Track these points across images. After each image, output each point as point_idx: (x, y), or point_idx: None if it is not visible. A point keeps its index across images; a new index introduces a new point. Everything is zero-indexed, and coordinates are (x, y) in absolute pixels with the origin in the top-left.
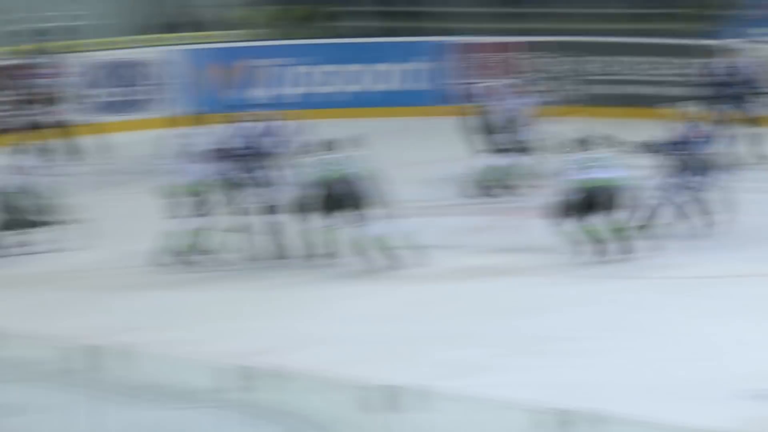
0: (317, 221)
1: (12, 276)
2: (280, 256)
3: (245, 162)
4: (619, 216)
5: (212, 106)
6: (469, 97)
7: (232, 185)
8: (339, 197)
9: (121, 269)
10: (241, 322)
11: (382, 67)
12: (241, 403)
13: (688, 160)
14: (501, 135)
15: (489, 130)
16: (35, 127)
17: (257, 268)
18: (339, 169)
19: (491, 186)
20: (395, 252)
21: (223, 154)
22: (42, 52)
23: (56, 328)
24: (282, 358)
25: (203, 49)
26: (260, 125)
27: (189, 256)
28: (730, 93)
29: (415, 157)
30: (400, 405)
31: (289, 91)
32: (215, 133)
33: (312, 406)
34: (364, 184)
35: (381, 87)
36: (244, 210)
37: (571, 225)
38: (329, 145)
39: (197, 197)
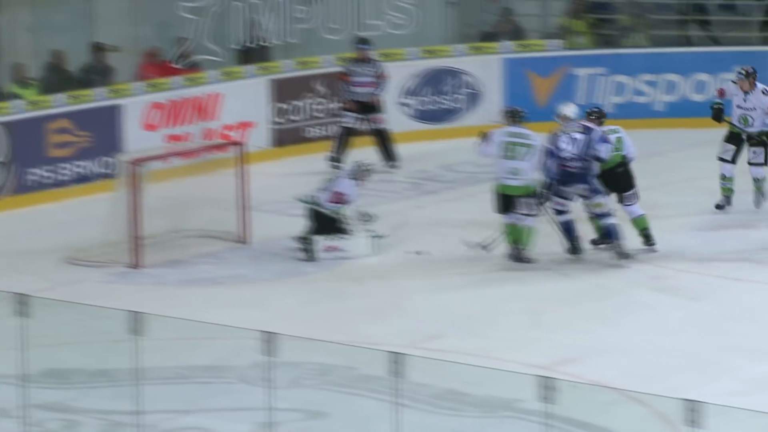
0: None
1: (317, 281)
2: (576, 252)
3: (570, 167)
4: None
5: (530, 115)
6: None
7: (554, 187)
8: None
9: (425, 273)
10: (542, 331)
11: (702, 76)
12: (541, 413)
13: None
14: None
15: None
16: (353, 134)
17: (558, 269)
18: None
19: None
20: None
21: (553, 158)
22: (362, 59)
23: (362, 334)
24: (581, 369)
25: (522, 58)
26: (584, 133)
27: (515, 252)
28: None
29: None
30: (701, 420)
31: (607, 100)
32: (545, 137)
33: (612, 419)
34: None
35: (698, 97)
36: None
37: None
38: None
39: (528, 198)
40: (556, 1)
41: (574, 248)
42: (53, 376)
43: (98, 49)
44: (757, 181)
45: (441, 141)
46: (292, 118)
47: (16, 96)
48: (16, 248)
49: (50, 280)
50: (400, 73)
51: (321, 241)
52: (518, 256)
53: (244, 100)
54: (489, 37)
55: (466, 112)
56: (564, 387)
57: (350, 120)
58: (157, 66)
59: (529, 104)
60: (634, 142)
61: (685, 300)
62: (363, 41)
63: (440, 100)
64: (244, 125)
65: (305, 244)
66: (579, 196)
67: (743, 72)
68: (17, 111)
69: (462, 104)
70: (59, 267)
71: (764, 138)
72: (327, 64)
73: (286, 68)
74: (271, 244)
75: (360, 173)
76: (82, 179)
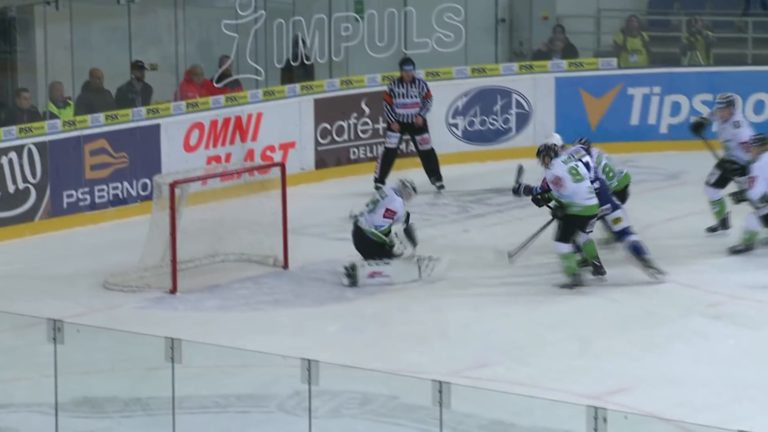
0: None
1: (359, 307)
2: (600, 272)
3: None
4: None
5: (583, 135)
6: None
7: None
8: None
9: (470, 299)
10: (591, 360)
11: (761, 96)
12: None
13: None
14: None
15: None
16: (396, 155)
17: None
18: None
19: None
20: None
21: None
22: (407, 80)
23: (405, 362)
24: (632, 399)
25: (574, 77)
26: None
27: (597, 265)
28: None
29: None
30: None
31: (663, 120)
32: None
33: None
34: None
35: (757, 118)
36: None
37: None
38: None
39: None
40: (610, 18)
41: (598, 269)
42: (87, 404)
43: (137, 67)
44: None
45: (489, 162)
46: (336, 138)
47: (52, 116)
48: (50, 272)
49: (85, 306)
50: (447, 93)
51: (365, 267)
52: (599, 269)
53: (286, 119)
54: (540, 55)
55: (515, 133)
56: (615, 418)
57: (394, 141)
58: (197, 85)
59: (581, 125)
60: (690, 164)
61: (740, 328)
62: (407, 62)
63: (489, 120)
64: (286, 146)
65: (349, 269)
66: (600, 217)
67: (722, 101)
68: (53, 131)
69: (512, 125)
70: (94, 292)
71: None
72: (372, 83)
73: (330, 87)
74: (312, 268)
75: (404, 191)
76: (119, 201)
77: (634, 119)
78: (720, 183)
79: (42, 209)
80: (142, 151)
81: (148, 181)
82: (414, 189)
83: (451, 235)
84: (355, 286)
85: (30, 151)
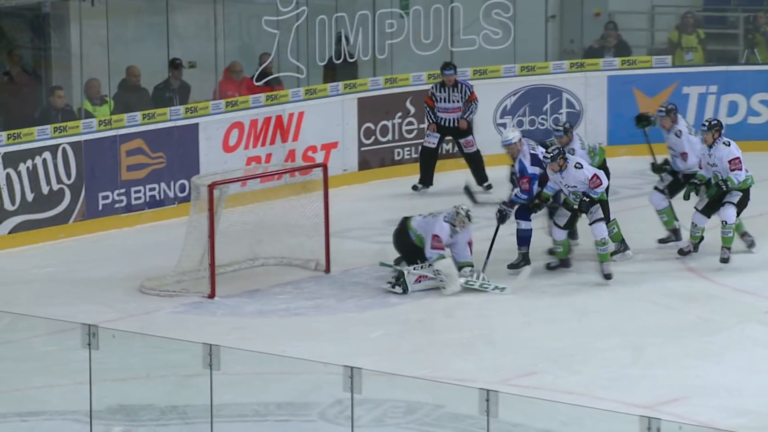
0: None
1: (404, 312)
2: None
3: None
4: None
5: (635, 136)
6: None
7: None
8: None
9: (518, 305)
10: (643, 368)
11: None
12: None
13: None
14: None
15: None
16: (435, 157)
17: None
18: None
19: None
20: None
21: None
22: (448, 84)
23: (451, 369)
24: (686, 409)
25: (628, 75)
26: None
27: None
28: None
29: None
30: None
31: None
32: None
33: None
34: None
35: None
36: None
37: None
38: None
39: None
40: (664, 14)
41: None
42: (122, 412)
43: (175, 65)
44: (660, 212)
45: None
46: (380, 138)
47: (87, 114)
48: (85, 276)
49: (120, 311)
50: (495, 92)
51: (410, 273)
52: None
53: (329, 119)
54: (592, 53)
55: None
56: (668, 428)
57: (432, 141)
58: (237, 83)
59: (634, 125)
60: (748, 166)
61: None
62: (448, 66)
63: (539, 120)
64: (328, 146)
65: (395, 280)
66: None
67: (663, 110)
68: (88, 130)
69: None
70: (130, 296)
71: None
72: (417, 81)
73: (374, 85)
74: (355, 272)
75: (457, 219)
76: (156, 203)
77: (690, 119)
78: (672, 191)
79: (77, 211)
80: (179, 152)
81: (185, 182)
82: (468, 217)
83: (498, 238)
84: (406, 294)
85: (65, 151)
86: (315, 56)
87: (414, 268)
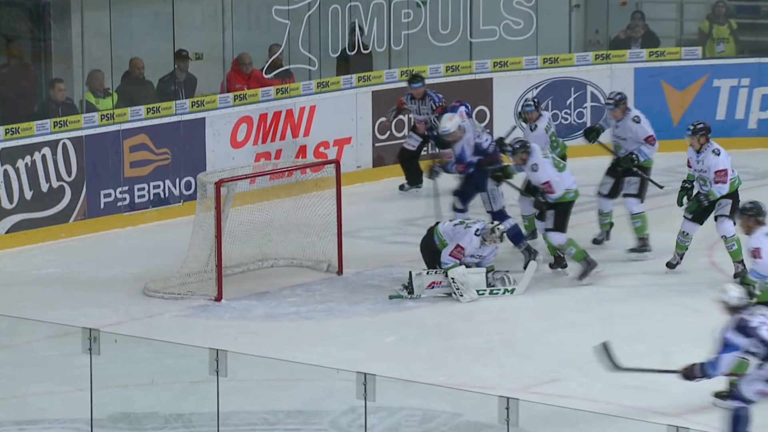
0: None
1: (419, 317)
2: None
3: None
4: None
5: (664, 131)
6: None
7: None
8: None
9: (540, 309)
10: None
11: None
12: None
13: None
14: None
15: None
16: (414, 156)
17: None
18: None
19: None
20: None
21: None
22: (417, 97)
23: (469, 376)
24: (718, 418)
25: (656, 68)
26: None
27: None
28: None
29: None
30: None
31: (751, 115)
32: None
33: None
34: None
35: None
36: None
37: None
38: None
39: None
40: (694, 3)
41: (560, 261)
42: (125, 420)
43: (181, 56)
44: (633, 216)
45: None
46: (395, 134)
47: (89, 107)
48: (86, 278)
49: (123, 314)
50: (517, 85)
51: (423, 275)
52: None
53: (342, 113)
54: (618, 44)
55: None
56: None
57: (413, 144)
58: (246, 76)
59: (663, 119)
60: None
61: None
62: (415, 79)
63: (562, 114)
64: (341, 142)
65: (406, 283)
66: None
67: (611, 100)
68: (90, 125)
69: (586, 119)
70: (133, 299)
71: (635, 167)
72: (435, 73)
73: (389, 78)
74: (369, 274)
75: (489, 237)
76: (161, 202)
77: (720, 113)
78: (613, 193)
79: (77, 209)
80: (185, 147)
81: (192, 179)
82: (501, 238)
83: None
84: (412, 296)
85: (65, 147)
86: (327, 47)
87: (428, 272)
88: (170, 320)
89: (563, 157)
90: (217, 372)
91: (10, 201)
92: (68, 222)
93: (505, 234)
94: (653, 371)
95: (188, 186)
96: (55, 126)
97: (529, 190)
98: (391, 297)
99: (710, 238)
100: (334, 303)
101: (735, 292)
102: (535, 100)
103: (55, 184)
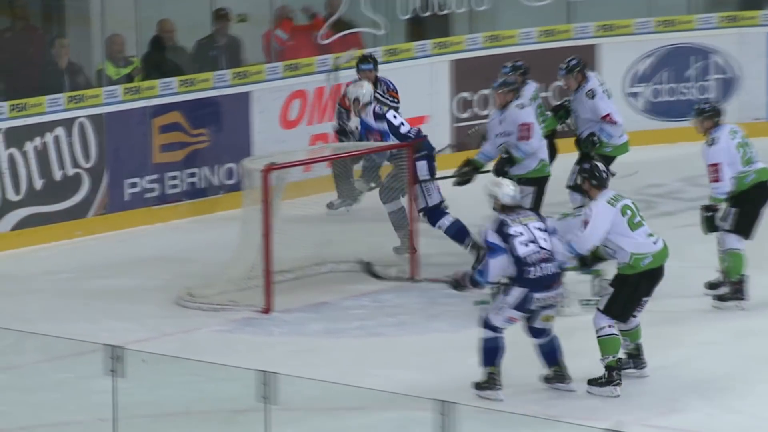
0: None
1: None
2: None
3: None
4: None
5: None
6: None
7: None
8: None
9: (656, 326)
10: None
11: None
12: None
13: None
14: None
15: None
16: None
17: None
18: None
19: None
20: None
21: None
22: (368, 80)
23: (568, 405)
24: None
25: None
26: None
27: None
28: None
29: None
30: None
31: None
32: None
33: None
34: None
35: None
36: None
37: None
38: None
39: None
40: None
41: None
42: None
43: (220, 17)
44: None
45: (682, 144)
46: (478, 111)
47: (111, 80)
48: (107, 285)
49: (153, 328)
50: (626, 53)
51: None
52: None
53: (415, 87)
54: (748, 3)
55: (716, 104)
56: None
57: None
58: (299, 42)
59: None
60: None
61: None
62: (365, 60)
63: (680, 88)
64: (414, 121)
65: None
66: None
67: (563, 67)
68: (112, 100)
69: (711, 94)
70: (165, 310)
71: (589, 149)
72: (526, 39)
73: (471, 44)
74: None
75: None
76: (197, 193)
77: None
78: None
79: (97, 202)
80: (226, 128)
81: (234, 166)
82: None
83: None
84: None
85: (82, 127)
86: (396, 8)
87: None
88: (209, 336)
89: (550, 135)
90: (266, 398)
91: (17, 192)
92: (86, 217)
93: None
94: (428, 281)
95: (230, 174)
96: (69, 101)
97: (500, 171)
98: (476, 303)
99: None
100: (407, 316)
101: (509, 189)
102: (526, 65)
103: (70, 171)
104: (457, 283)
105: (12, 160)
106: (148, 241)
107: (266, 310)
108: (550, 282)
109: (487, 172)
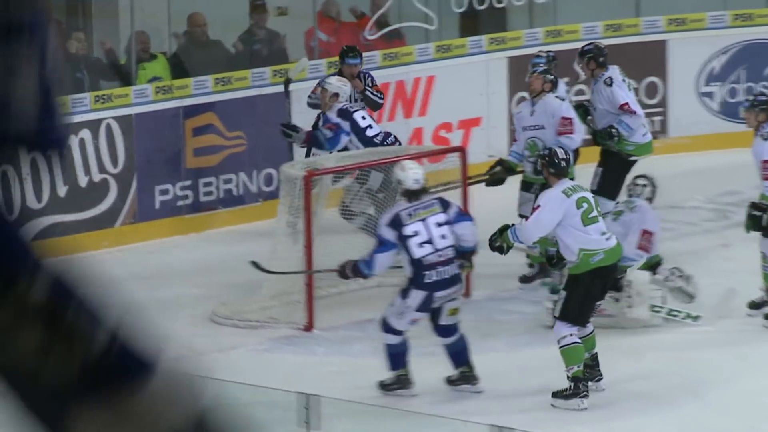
0: None
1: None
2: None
3: None
4: None
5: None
6: None
7: None
8: None
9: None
10: None
11: None
12: None
13: None
14: None
15: None
16: None
17: None
18: None
19: None
20: None
21: None
22: (352, 72)
23: (631, 428)
24: None
25: None
26: None
27: None
28: None
29: None
30: None
31: None
32: None
33: None
34: None
35: None
36: None
37: None
38: None
39: None
40: None
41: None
42: None
43: (258, 10)
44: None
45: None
46: None
47: (142, 79)
48: (138, 299)
49: (185, 347)
50: (699, 50)
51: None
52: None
53: (469, 86)
54: None
55: None
56: None
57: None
58: (344, 40)
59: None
60: None
61: None
62: (350, 53)
63: (760, 88)
64: (468, 123)
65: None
66: None
67: (580, 51)
68: (142, 100)
69: None
70: (198, 327)
71: (606, 142)
72: (590, 33)
73: (531, 40)
74: (505, 297)
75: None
76: (233, 201)
77: None
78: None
79: (125, 211)
80: (265, 130)
81: (273, 171)
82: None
83: (704, 251)
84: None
85: (109, 129)
86: (449, 1)
87: None
88: (246, 355)
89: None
90: (308, 423)
91: (39, 199)
92: (113, 227)
93: None
94: (322, 272)
95: (269, 180)
96: (96, 101)
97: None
98: (543, 284)
99: None
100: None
101: (413, 173)
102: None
103: (96, 177)
104: (343, 272)
105: (34, 165)
106: (180, 252)
107: (308, 327)
108: (450, 283)
109: (521, 172)
